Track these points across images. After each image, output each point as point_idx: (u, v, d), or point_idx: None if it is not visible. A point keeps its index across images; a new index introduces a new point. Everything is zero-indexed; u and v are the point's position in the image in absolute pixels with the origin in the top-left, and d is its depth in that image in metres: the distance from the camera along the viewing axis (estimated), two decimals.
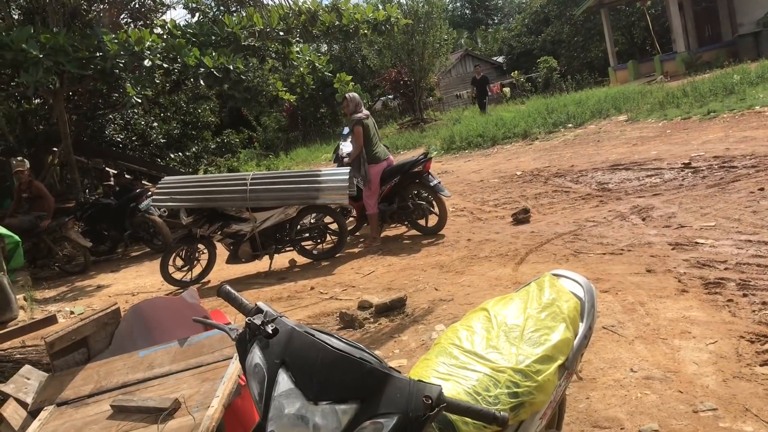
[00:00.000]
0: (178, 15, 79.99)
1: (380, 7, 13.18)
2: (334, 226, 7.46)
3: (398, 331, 4.51)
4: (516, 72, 32.33)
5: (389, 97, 33.18)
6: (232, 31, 10.34)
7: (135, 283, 8.26)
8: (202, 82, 9.80)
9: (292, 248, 7.35)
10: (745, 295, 3.92)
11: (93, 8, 13.21)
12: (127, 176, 12.42)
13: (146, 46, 9.04)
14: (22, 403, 2.55)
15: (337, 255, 7.33)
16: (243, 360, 1.47)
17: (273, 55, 12.11)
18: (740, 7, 22.17)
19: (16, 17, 12.95)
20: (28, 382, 2.66)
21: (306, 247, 7.42)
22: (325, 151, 23.70)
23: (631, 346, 3.53)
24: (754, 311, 3.68)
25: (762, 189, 6.27)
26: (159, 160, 18.55)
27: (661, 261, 4.87)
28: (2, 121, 13.60)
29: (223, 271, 7.59)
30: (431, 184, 7.22)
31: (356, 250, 7.53)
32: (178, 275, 7.28)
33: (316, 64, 12.28)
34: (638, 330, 3.72)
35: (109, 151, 16.27)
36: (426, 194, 7.46)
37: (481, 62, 35.84)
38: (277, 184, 7.04)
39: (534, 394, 1.76)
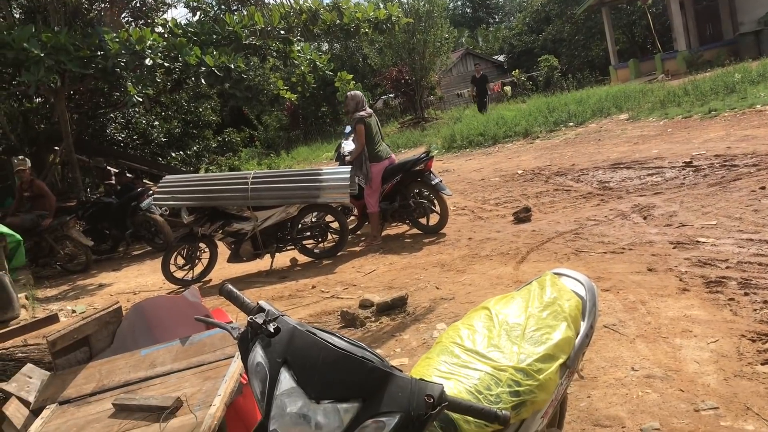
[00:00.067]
0: (180, 14, 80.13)
1: (381, 5, 13.16)
2: (335, 225, 7.46)
3: (399, 330, 4.51)
4: (517, 71, 32.28)
5: (390, 95, 33.18)
6: (233, 29, 10.35)
7: (136, 281, 8.27)
8: (203, 80, 9.81)
9: (293, 247, 7.35)
10: (746, 294, 3.92)
11: (94, 7, 13.22)
12: (128, 175, 12.45)
13: (147, 45, 9.05)
14: (25, 402, 2.56)
15: (339, 254, 7.33)
16: (245, 359, 1.47)
17: (274, 53, 12.12)
18: (741, 6, 22.12)
19: (17, 16, 12.95)
20: (30, 380, 2.67)
21: (307, 245, 7.43)
22: (326, 150, 23.71)
23: (632, 344, 3.53)
24: (755, 310, 3.68)
25: (763, 188, 6.27)
26: (160, 159, 18.56)
27: (663, 260, 4.87)
28: (4, 120, 13.62)
29: (224, 269, 7.60)
30: (433, 182, 7.22)
31: (357, 248, 7.53)
32: (179, 274, 7.28)
33: (317, 63, 12.28)
34: (639, 329, 3.72)
35: (111, 150, 16.29)
36: (427, 193, 7.45)
37: (482, 61, 35.82)
38: (278, 183, 7.05)
39: (535, 392, 1.76)
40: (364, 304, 5.15)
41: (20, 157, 10.01)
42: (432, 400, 1.32)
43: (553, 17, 35.73)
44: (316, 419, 1.30)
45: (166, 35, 9.94)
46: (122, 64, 8.89)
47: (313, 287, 6.16)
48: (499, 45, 42.11)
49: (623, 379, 3.17)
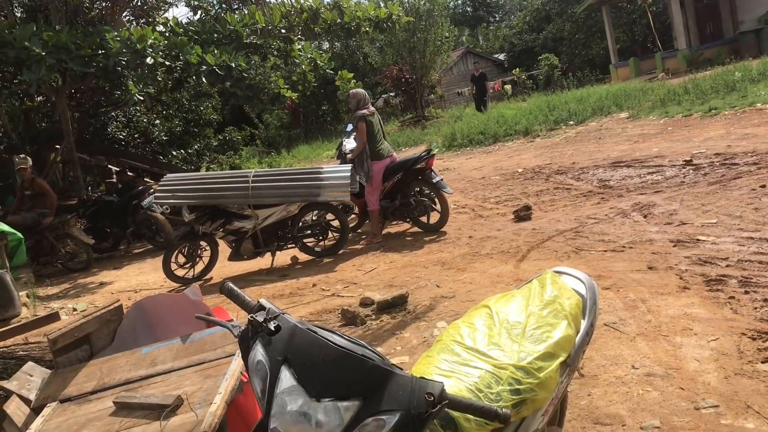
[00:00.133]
0: (181, 12, 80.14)
1: (382, 4, 13.18)
2: (336, 223, 7.46)
3: (400, 328, 4.51)
4: (517, 69, 32.26)
5: (391, 94, 33.18)
6: (234, 28, 10.35)
7: (137, 280, 8.28)
8: (204, 79, 9.82)
9: (294, 245, 7.36)
10: (746, 292, 3.92)
11: (95, 6, 13.21)
12: (129, 173, 12.47)
13: (148, 43, 9.05)
14: (26, 400, 2.56)
15: (339, 252, 7.34)
16: (245, 357, 1.47)
17: (275, 52, 12.12)
18: (742, 4, 22.09)
19: (18, 15, 12.95)
20: (31, 378, 2.67)
21: (308, 244, 7.43)
22: (327, 148, 23.70)
23: (632, 343, 3.53)
24: (755, 308, 3.68)
25: (763, 186, 6.26)
26: (161, 157, 18.55)
27: (663, 258, 4.87)
28: (5, 119, 13.62)
29: (225, 268, 7.61)
30: (434, 180, 7.22)
31: (358, 247, 7.53)
32: (180, 272, 7.29)
33: (318, 62, 12.29)
34: (640, 327, 3.72)
35: (112, 149, 16.29)
36: (428, 191, 7.46)
37: (482, 60, 35.81)
38: (279, 182, 7.05)
39: (536, 391, 1.76)
40: (365, 303, 5.15)
41: (21, 155, 10.02)
42: (432, 399, 1.32)
43: (554, 16, 35.70)
44: (317, 417, 1.30)
45: (167, 34, 9.94)
46: (123, 62, 8.90)
47: (314, 285, 6.16)
48: (500, 44, 42.09)
49: (624, 377, 3.18)
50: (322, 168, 7.32)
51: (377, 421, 1.31)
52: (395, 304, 4.96)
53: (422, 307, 4.87)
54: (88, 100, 14.97)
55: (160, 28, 10.84)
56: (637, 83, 18.27)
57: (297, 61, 12.20)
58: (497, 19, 57.96)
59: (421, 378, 1.37)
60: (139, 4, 14.01)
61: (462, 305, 4.69)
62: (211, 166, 19.83)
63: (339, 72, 12.57)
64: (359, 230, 8.34)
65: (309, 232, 7.42)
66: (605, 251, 5.34)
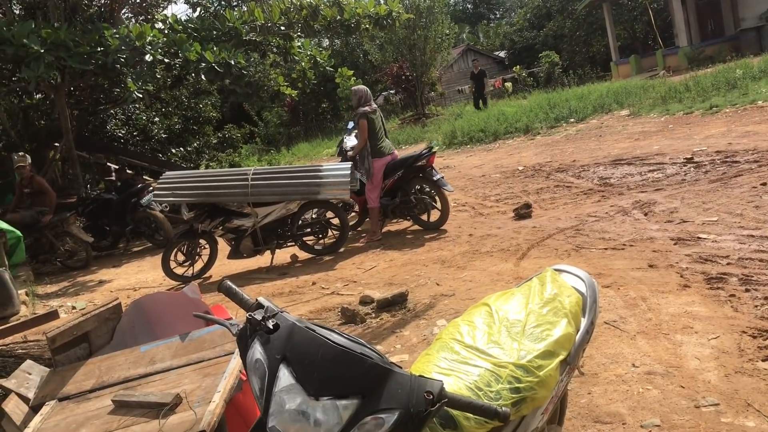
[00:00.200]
0: (180, 10, 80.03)
1: (382, 1, 13.13)
2: (335, 222, 7.45)
3: (400, 326, 4.51)
4: (518, 67, 32.21)
5: (391, 92, 33.14)
6: (233, 25, 10.33)
7: (136, 278, 8.27)
8: (203, 77, 9.80)
9: (293, 243, 7.35)
10: (747, 290, 3.91)
11: (94, 3, 13.19)
12: (128, 171, 12.44)
13: (147, 41, 9.03)
14: (24, 398, 2.55)
15: (339, 250, 7.33)
16: (244, 355, 1.47)
17: (274, 49, 12.10)
18: (743, 2, 22.04)
19: (17, 12, 12.92)
20: (29, 377, 2.67)
21: (307, 242, 7.42)
22: (327, 146, 23.69)
23: (632, 341, 3.53)
24: (756, 306, 3.67)
25: (764, 184, 6.25)
26: (160, 155, 18.52)
27: (663, 256, 4.86)
28: (4, 117, 13.61)
29: (224, 266, 7.60)
30: (434, 178, 7.21)
31: (358, 245, 7.53)
32: (179, 270, 7.29)
33: (318, 59, 12.27)
34: (640, 325, 3.71)
35: (111, 147, 16.26)
36: (429, 189, 7.45)
37: (482, 57, 35.78)
38: (278, 180, 7.04)
39: (535, 389, 1.76)
40: (365, 301, 5.15)
41: (20, 153, 10.00)
42: (431, 397, 1.31)
43: (554, 13, 35.67)
44: (315, 416, 1.29)
45: (166, 31, 9.92)
46: (122, 60, 8.88)
47: (314, 284, 6.16)
48: (500, 41, 42.03)
49: (624, 375, 3.17)
50: (321, 166, 7.31)
51: (376, 419, 1.30)
52: (395, 303, 4.95)
53: (422, 305, 4.87)
54: (87, 97, 14.95)
55: (159, 25, 10.82)
56: (638, 80, 18.26)
57: (296, 58, 12.18)
58: (498, 16, 57.89)
59: (421, 376, 1.36)
60: (138, 1, 13.99)
61: (462, 303, 4.68)
62: (211, 164, 19.82)
63: (339, 69, 12.58)
64: (359, 228, 8.33)
65: (309, 230, 7.41)
66: (606, 249, 5.34)
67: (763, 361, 3.07)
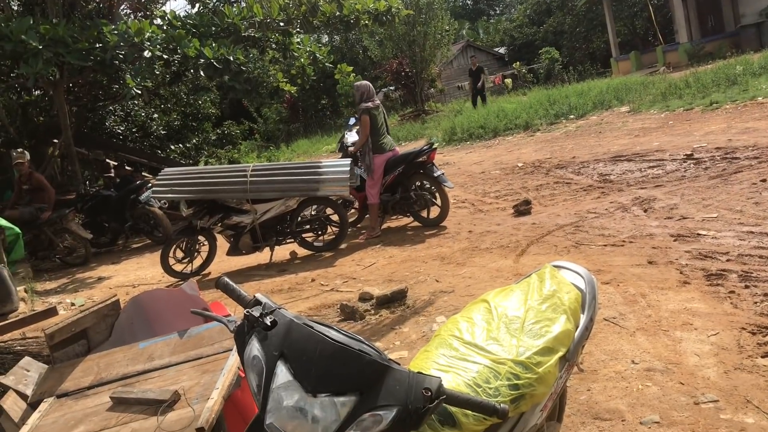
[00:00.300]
0: (178, 5, 79.78)
1: None
2: (335, 218, 7.44)
3: (399, 323, 4.51)
4: (518, 63, 32.21)
5: (391, 88, 33.09)
6: (232, 21, 10.29)
7: (136, 275, 8.27)
8: (202, 73, 9.77)
9: (292, 240, 7.34)
10: (747, 287, 3.91)
11: None
12: (127, 168, 12.42)
13: (146, 37, 9.00)
14: (22, 395, 2.55)
15: (338, 247, 7.32)
16: (241, 352, 1.46)
17: (273, 46, 12.06)
18: None
19: (15, 8, 12.89)
20: (28, 373, 2.66)
21: (307, 238, 7.41)
22: (326, 142, 23.69)
23: (632, 337, 3.52)
24: (755, 303, 3.67)
25: (764, 180, 6.25)
26: (159, 151, 18.51)
27: (663, 252, 4.86)
28: (2, 113, 13.57)
29: (223, 263, 7.59)
30: (435, 174, 7.21)
31: (357, 241, 7.52)
32: (178, 267, 7.28)
33: (317, 55, 12.23)
34: (639, 322, 3.71)
35: (110, 143, 16.24)
36: (429, 185, 7.44)
37: (482, 53, 35.73)
38: (277, 176, 7.03)
39: (534, 386, 1.75)
40: (364, 297, 5.14)
41: (19, 149, 10.00)
42: (430, 394, 1.31)
43: (554, 9, 35.67)
44: (313, 413, 1.29)
45: (164, 27, 9.89)
46: (121, 56, 8.85)
47: (313, 280, 6.15)
48: (500, 37, 42.00)
49: (623, 372, 3.17)
50: (320, 162, 7.30)
51: (374, 416, 1.30)
52: (394, 299, 4.95)
53: (421, 301, 4.86)
54: (86, 94, 14.93)
55: (158, 21, 10.80)
56: (638, 77, 18.26)
57: (296, 54, 12.14)
58: (498, 12, 57.83)
59: (419, 373, 1.36)
60: None
61: (461, 300, 4.68)
62: (210, 161, 19.81)
63: (338, 66, 12.54)
64: (359, 225, 8.33)
65: (308, 226, 7.40)
66: (605, 246, 5.33)
67: (762, 357, 3.07)
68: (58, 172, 13.62)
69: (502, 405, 1.39)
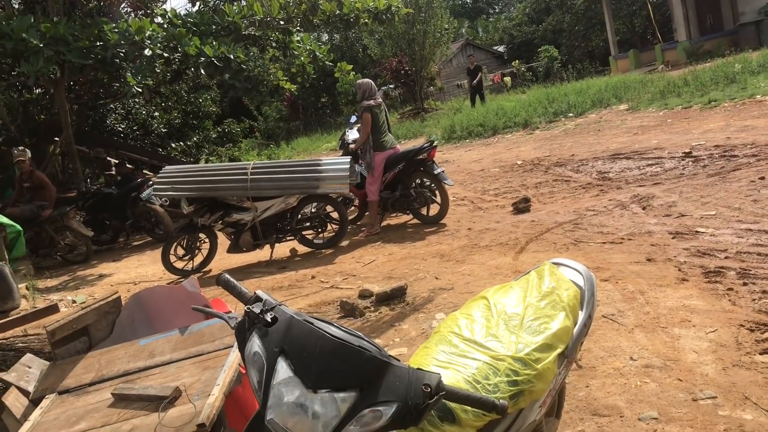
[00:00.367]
0: (179, 4, 79.75)
1: None
2: (335, 215, 7.46)
3: (398, 320, 4.52)
4: (517, 61, 32.18)
5: (390, 86, 33.08)
6: (232, 20, 10.29)
7: (136, 272, 8.28)
8: (202, 71, 9.76)
9: (293, 237, 7.35)
10: (745, 284, 3.92)
11: None
12: (128, 166, 12.42)
13: (147, 35, 9.00)
14: (24, 392, 2.56)
15: (338, 244, 7.33)
16: (242, 348, 1.47)
17: (274, 44, 12.05)
18: None
19: (16, 6, 12.88)
20: (29, 370, 2.67)
21: (307, 236, 7.43)
22: (327, 140, 23.68)
23: (630, 334, 3.54)
24: (754, 300, 3.68)
25: (762, 178, 6.26)
26: (160, 149, 18.52)
27: (662, 250, 4.87)
28: (3, 111, 13.58)
29: (224, 260, 7.61)
30: (435, 172, 7.22)
31: (357, 238, 7.53)
32: (179, 264, 7.29)
33: (317, 54, 12.22)
34: (638, 319, 3.72)
35: (111, 141, 16.24)
36: (429, 182, 7.45)
37: (482, 52, 35.72)
38: (277, 174, 7.04)
39: (533, 382, 1.77)
40: (364, 294, 5.16)
41: (20, 147, 9.99)
42: (429, 390, 1.32)
43: (553, 8, 35.64)
44: (313, 408, 1.30)
45: (165, 26, 9.88)
46: (122, 54, 8.85)
47: (313, 277, 6.17)
48: (499, 36, 41.99)
49: (622, 368, 3.18)
50: (321, 160, 7.31)
51: (374, 412, 1.31)
52: (394, 296, 4.96)
53: (421, 298, 4.88)
54: (87, 92, 14.93)
55: (159, 19, 10.78)
56: (637, 75, 18.25)
57: (296, 52, 12.13)
58: (497, 10, 57.79)
59: (419, 369, 1.37)
60: None
61: (461, 297, 4.69)
62: (210, 159, 19.80)
63: (338, 64, 12.51)
64: (359, 222, 8.34)
65: (308, 224, 7.41)
66: (604, 243, 5.34)
67: (760, 354, 3.08)
68: (59, 170, 13.63)
69: (501, 401, 1.40)
